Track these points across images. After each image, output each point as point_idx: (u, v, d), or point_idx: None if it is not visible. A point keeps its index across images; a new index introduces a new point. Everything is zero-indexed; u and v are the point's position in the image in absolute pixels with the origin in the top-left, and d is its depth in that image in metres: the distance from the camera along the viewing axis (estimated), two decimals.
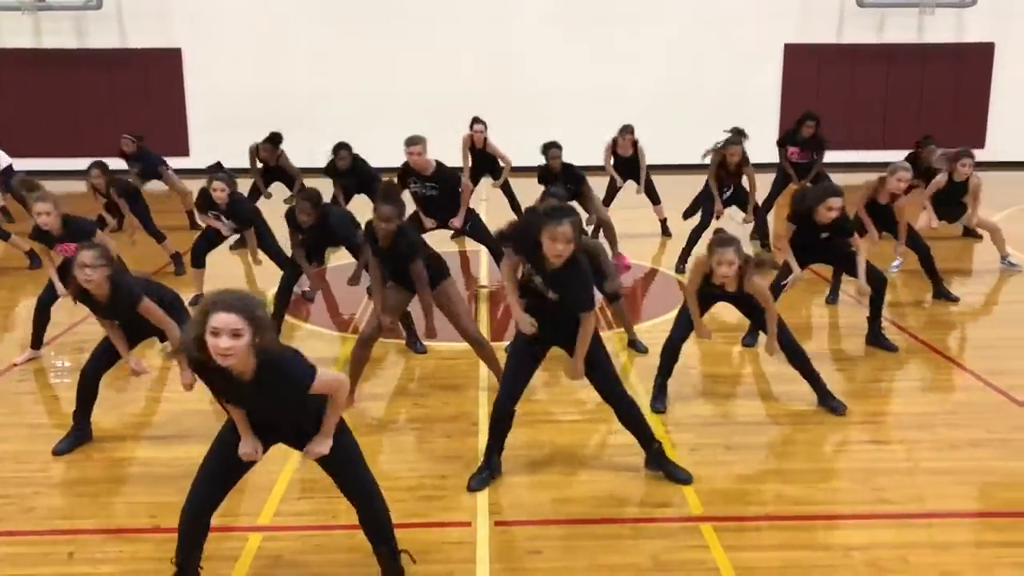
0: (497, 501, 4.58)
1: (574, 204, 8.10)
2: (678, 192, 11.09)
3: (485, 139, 10.71)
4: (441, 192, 8.28)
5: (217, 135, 16.38)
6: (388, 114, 15.64)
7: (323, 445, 3.62)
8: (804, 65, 17.44)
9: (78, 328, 7.45)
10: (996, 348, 7.01)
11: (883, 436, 5.41)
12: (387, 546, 3.80)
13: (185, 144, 16.96)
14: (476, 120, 10.71)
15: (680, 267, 9.27)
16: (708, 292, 5.62)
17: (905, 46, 17.50)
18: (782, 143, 10.91)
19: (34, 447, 5.26)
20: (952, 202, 9.01)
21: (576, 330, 4.55)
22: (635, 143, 10.61)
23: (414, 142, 8.18)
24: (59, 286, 6.68)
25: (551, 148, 9.45)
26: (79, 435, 5.28)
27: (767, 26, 17.14)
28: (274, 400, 3.41)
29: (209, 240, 8.28)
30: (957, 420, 5.61)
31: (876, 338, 6.94)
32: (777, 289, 6.71)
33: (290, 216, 7.22)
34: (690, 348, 7.18)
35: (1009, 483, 4.80)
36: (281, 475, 4.83)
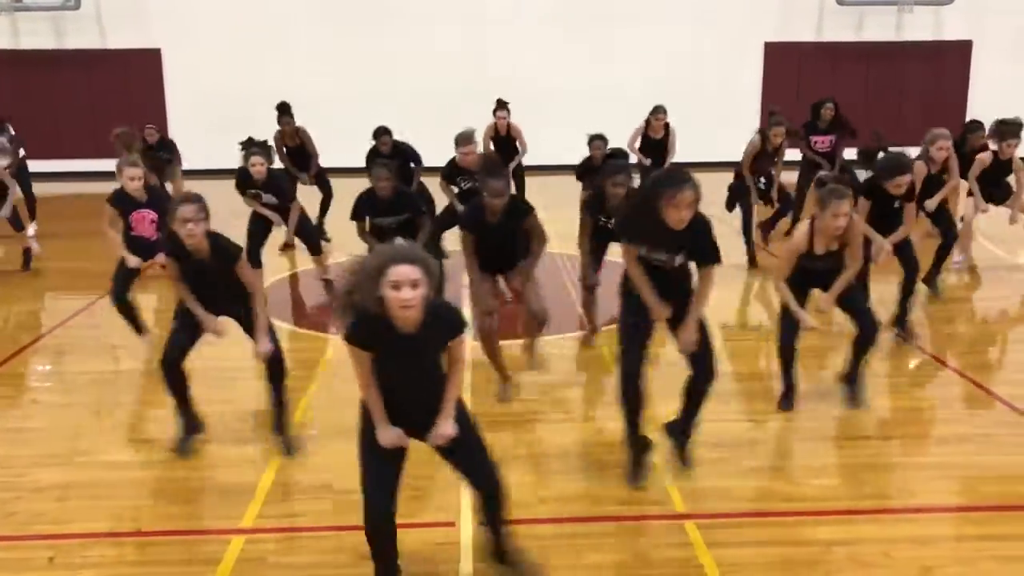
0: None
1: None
2: None
3: (508, 124, 10.58)
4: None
5: (198, 135, 16.31)
6: (373, 114, 15.56)
7: (448, 426, 3.56)
8: (785, 63, 17.54)
9: (56, 331, 7.40)
10: (978, 343, 7.05)
11: (866, 432, 5.43)
12: (504, 529, 3.82)
13: None
14: (500, 106, 10.57)
15: (753, 263, 9.26)
16: (802, 272, 5.45)
17: (884, 44, 17.63)
18: (803, 134, 10.78)
19: (15, 451, 5.21)
20: (997, 183, 8.68)
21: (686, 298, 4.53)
22: (667, 125, 10.50)
23: (467, 140, 8.07)
24: (130, 258, 6.42)
25: (596, 140, 9.41)
26: (189, 429, 5.16)
27: (748, 25, 17.24)
28: (431, 350, 3.45)
29: (256, 238, 8.19)
30: (940, 415, 5.64)
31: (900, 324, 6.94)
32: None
33: (366, 200, 7.12)
34: (673, 343, 7.20)
35: (990, 477, 4.84)
36: (263, 477, 4.81)
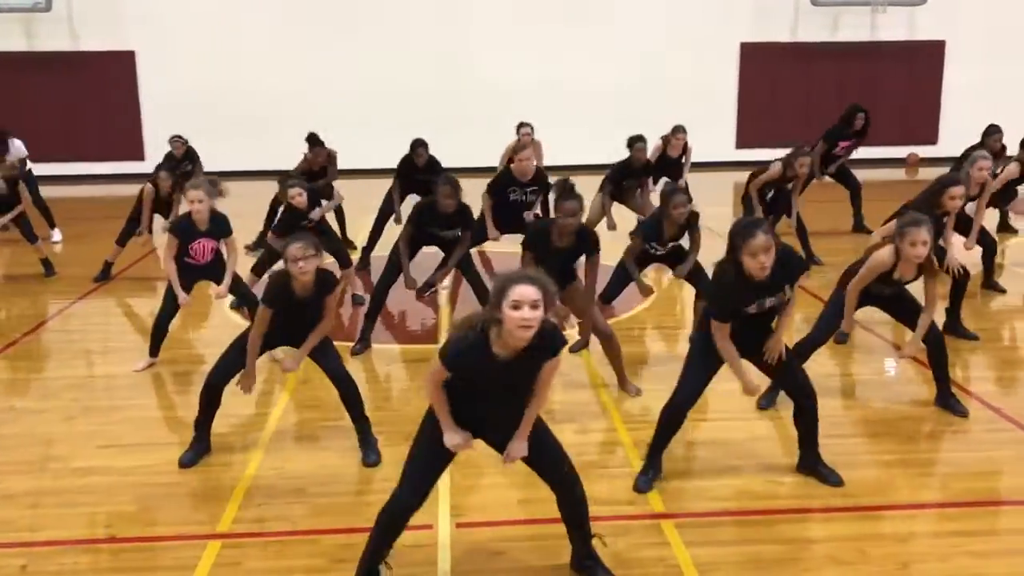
0: (459, 503, 4.56)
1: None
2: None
3: (532, 140, 10.40)
4: (538, 197, 8.22)
5: None
6: (352, 114, 15.57)
7: (522, 448, 3.66)
8: (760, 64, 17.63)
9: (31, 336, 7.32)
10: (953, 342, 7.10)
11: (842, 431, 5.45)
12: (581, 531, 3.85)
13: (140, 149, 16.71)
14: (523, 124, 10.39)
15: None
16: (872, 293, 5.47)
17: (858, 44, 17.76)
18: (831, 137, 10.74)
19: None
20: (1012, 193, 8.82)
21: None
22: (686, 144, 10.40)
23: (523, 147, 8.05)
24: (181, 294, 6.35)
25: (637, 142, 9.30)
26: (202, 446, 5.10)
27: (723, 25, 17.31)
28: (528, 373, 3.50)
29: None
30: (915, 413, 5.68)
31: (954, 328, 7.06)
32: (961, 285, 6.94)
33: (426, 210, 6.86)
34: (656, 344, 7.22)
35: (965, 473, 4.87)
36: (240, 482, 4.77)
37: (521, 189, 8.07)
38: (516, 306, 3.24)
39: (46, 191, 11.79)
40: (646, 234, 6.52)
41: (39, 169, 15.61)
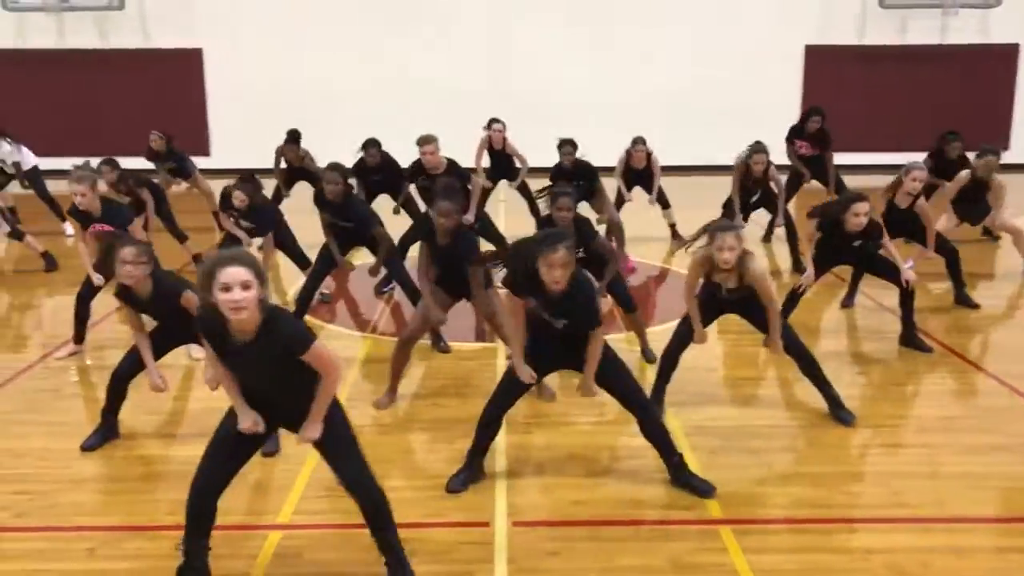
0: (515, 502, 4.58)
1: (584, 203, 7.99)
2: (696, 195, 11.06)
3: (504, 139, 10.69)
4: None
5: (238, 135, 16.53)
6: (413, 113, 15.69)
7: (312, 430, 3.63)
8: (825, 67, 17.35)
9: (101, 325, 7.51)
10: (1018, 352, 6.95)
11: (903, 440, 5.38)
12: (387, 537, 3.78)
13: (206, 144, 17.08)
14: (495, 120, 10.68)
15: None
16: (709, 295, 5.51)
17: (928, 47, 17.40)
18: (790, 138, 10.82)
19: (55, 444, 5.30)
20: (975, 202, 8.83)
21: (584, 350, 4.55)
22: (648, 154, 10.37)
23: (427, 141, 8.35)
24: (95, 276, 6.80)
25: (565, 145, 9.39)
26: (107, 432, 5.32)
27: (787, 28, 17.08)
28: (272, 361, 3.46)
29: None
30: (978, 424, 5.57)
31: (911, 340, 6.90)
32: (794, 297, 6.71)
33: (319, 197, 7.30)
34: (712, 349, 7.17)
35: None
36: (301, 474, 4.85)
37: (431, 181, 8.27)
38: (227, 288, 3.27)
39: None
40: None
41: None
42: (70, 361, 6.87)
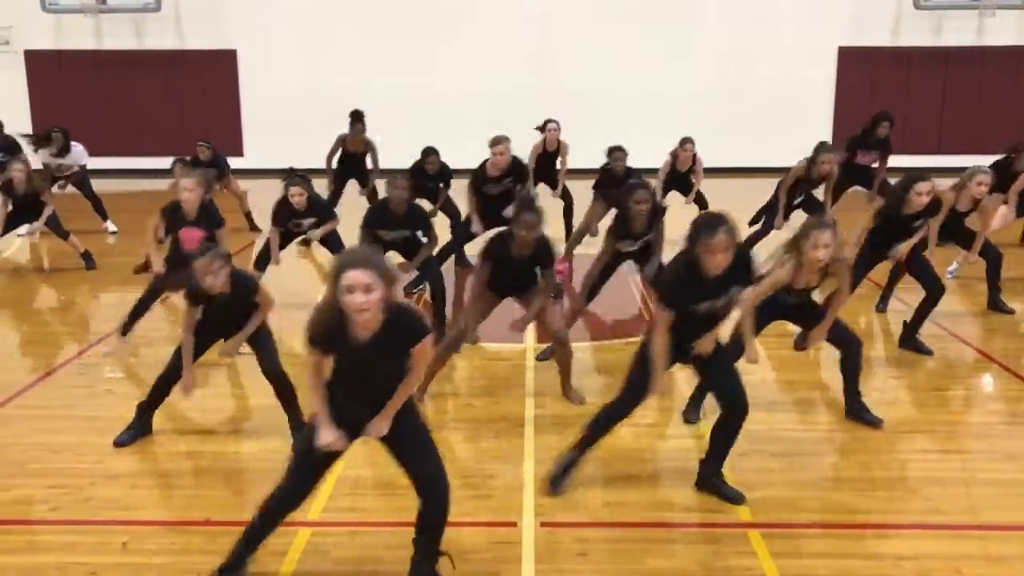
0: (544, 502, 4.58)
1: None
2: (727, 197, 10.98)
3: (558, 140, 10.39)
4: (514, 188, 8.46)
5: (271, 136, 16.66)
6: (445, 115, 15.75)
7: (384, 424, 3.64)
8: (858, 69, 17.19)
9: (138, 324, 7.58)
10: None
11: (937, 445, 5.32)
12: (434, 547, 3.78)
13: (239, 144, 17.22)
14: (550, 120, 10.36)
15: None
16: (771, 301, 5.17)
17: (964, 49, 17.18)
18: (851, 148, 10.63)
19: (90, 439, 5.37)
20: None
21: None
22: (694, 155, 10.30)
23: (499, 141, 8.40)
24: (156, 263, 6.84)
25: (615, 151, 9.35)
26: (141, 428, 5.37)
27: (820, 29, 16.94)
28: (387, 355, 3.49)
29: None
30: (1014, 431, 5.49)
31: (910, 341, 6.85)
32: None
33: (373, 216, 7.15)
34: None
35: None
36: (331, 473, 4.86)
37: (495, 184, 8.36)
38: (350, 290, 3.29)
39: (153, 184, 12.21)
40: (617, 232, 6.65)
41: (143, 163, 16.26)
42: (103, 359, 6.94)
